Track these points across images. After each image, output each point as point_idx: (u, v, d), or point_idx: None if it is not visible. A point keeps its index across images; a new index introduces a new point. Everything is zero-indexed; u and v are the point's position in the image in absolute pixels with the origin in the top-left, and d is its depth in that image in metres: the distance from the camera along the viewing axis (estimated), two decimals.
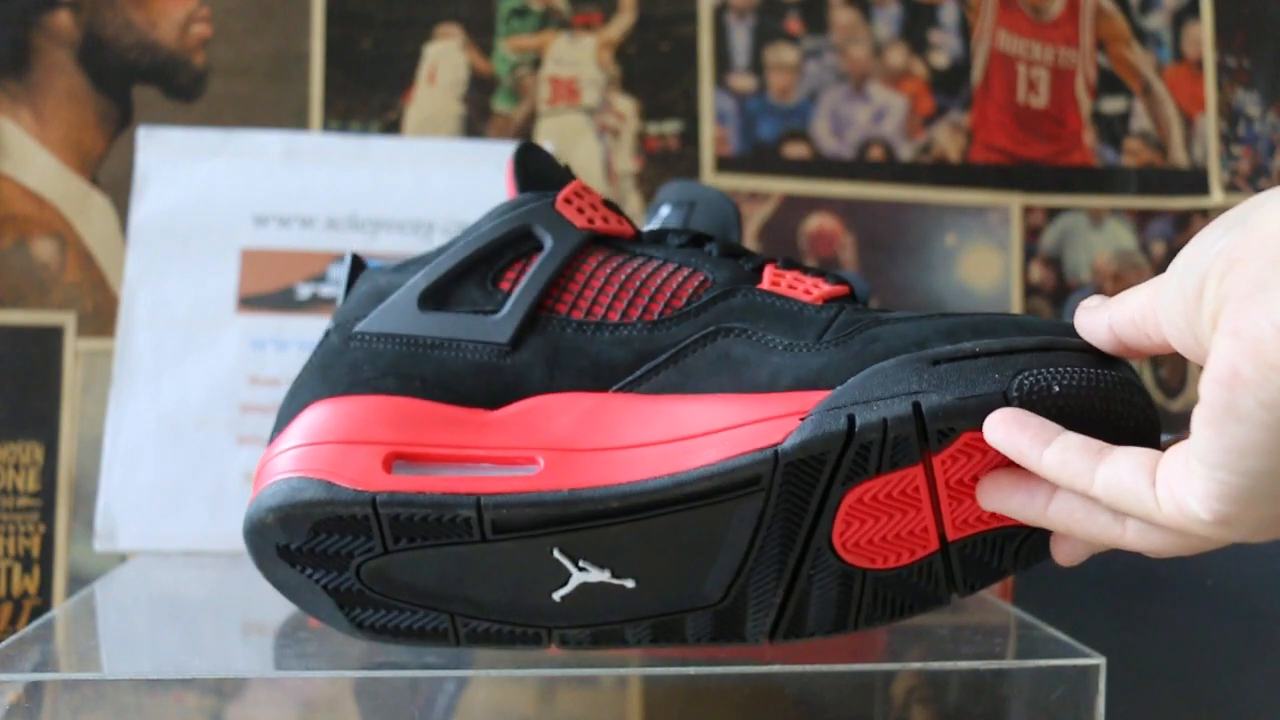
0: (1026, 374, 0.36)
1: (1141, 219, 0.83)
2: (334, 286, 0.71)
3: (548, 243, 0.42)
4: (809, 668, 0.43)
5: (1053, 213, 0.82)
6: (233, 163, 0.73)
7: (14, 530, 0.72)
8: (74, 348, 0.73)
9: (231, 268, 0.71)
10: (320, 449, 0.39)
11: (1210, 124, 0.84)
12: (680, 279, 0.42)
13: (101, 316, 0.73)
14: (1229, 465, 0.29)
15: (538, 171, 0.45)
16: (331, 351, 0.42)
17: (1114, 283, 0.83)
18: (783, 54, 0.81)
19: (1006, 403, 0.36)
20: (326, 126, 0.76)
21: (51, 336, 0.73)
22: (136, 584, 0.61)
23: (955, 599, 0.42)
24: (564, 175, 0.46)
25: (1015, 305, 0.82)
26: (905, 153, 0.81)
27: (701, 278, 0.42)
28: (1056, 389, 0.36)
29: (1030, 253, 0.82)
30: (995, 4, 0.83)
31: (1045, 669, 0.44)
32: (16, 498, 0.72)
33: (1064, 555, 0.39)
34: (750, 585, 0.40)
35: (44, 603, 0.72)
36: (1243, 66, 0.85)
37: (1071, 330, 0.38)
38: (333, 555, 0.40)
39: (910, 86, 0.82)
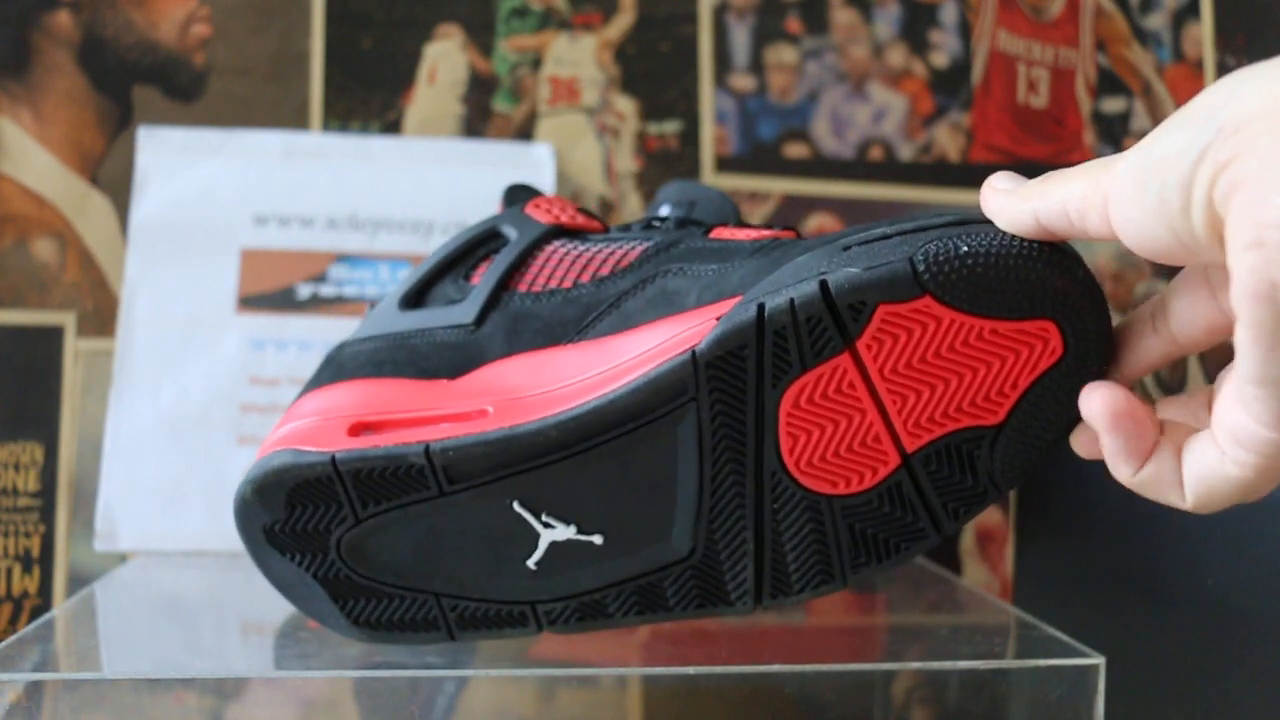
0: (934, 240, 0.35)
1: None
2: (334, 286, 0.71)
3: (512, 235, 0.47)
4: (809, 668, 0.43)
5: None
6: (233, 162, 0.73)
7: (14, 530, 0.72)
8: (74, 348, 0.73)
9: (231, 268, 0.71)
10: (295, 427, 0.42)
11: None
12: (630, 245, 0.45)
13: (101, 316, 0.73)
14: None
15: (520, 197, 0.51)
16: (326, 361, 0.47)
17: (1114, 283, 0.83)
18: (783, 54, 0.81)
19: (913, 269, 0.35)
20: (326, 126, 0.76)
21: (51, 336, 0.73)
22: (136, 584, 0.61)
23: (943, 532, 0.40)
24: (539, 194, 0.51)
25: None
26: (905, 153, 0.81)
27: (653, 242, 0.44)
28: (964, 249, 0.35)
29: None
30: (995, 4, 0.83)
31: (1045, 669, 0.44)
32: (16, 498, 0.72)
33: (1084, 446, 0.38)
34: (716, 529, 0.40)
35: (44, 603, 0.72)
36: (1243, 66, 0.85)
37: None
38: (312, 532, 0.41)
39: (910, 86, 0.82)
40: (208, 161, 0.73)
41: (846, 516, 0.40)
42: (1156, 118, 0.84)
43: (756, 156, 0.80)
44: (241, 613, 0.57)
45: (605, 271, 0.44)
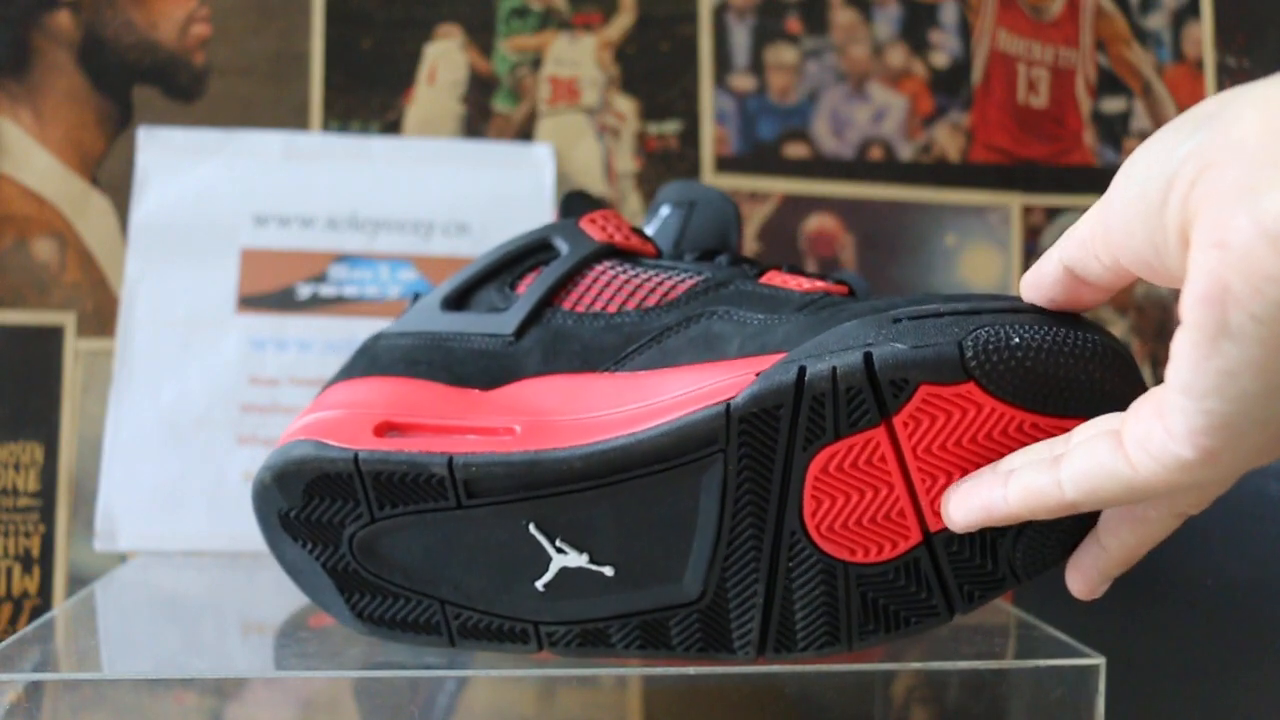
0: (985, 326, 0.35)
1: None
2: (334, 286, 0.71)
3: (563, 249, 0.46)
4: (809, 668, 0.43)
5: (1053, 213, 0.82)
6: (233, 163, 0.73)
7: (14, 530, 0.72)
8: (74, 348, 0.73)
9: (231, 267, 0.71)
10: (321, 417, 0.42)
11: None
12: (680, 277, 0.44)
13: (101, 316, 0.73)
14: (1220, 390, 0.27)
15: (576, 208, 0.50)
16: (360, 350, 0.46)
17: None
18: (783, 54, 0.81)
19: (961, 354, 0.35)
20: (326, 126, 0.76)
21: (51, 336, 0.73)
22: (136, 584, 0.61)
23: (956, 612, 0.40)
24: (600, 205, 0.50)
25: None
26: (905, 153, 0.81)
27: (703, 277, 0.44)
28: (1015, 340, 0.34)
29: (1030, 253, 0.82)
30: (995, 4, 0.83)
31: (1045, 669, 0.44)
32: (16, 498, 0.72)
33: (1079, 585, 0.38)
34: (729, 577, 0.40)
35: (44, 603, 0.72)
36: (1243, 67, 0.85)
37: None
38: (326, 524, 0.41)
39: (910, 86, 0.82)
40: (208, 161, 0.73)
41: (860, 584, 0.40)
42: (1156, 118, 0.84)
43: (756, 156, 0.80)
44: (241, 613, 0.58)
45: (652, 302, 0.43)
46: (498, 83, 0.78)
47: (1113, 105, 0.84)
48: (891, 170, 0.81)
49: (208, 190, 0.72)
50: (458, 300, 0.46)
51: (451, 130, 0.77)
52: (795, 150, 0.80)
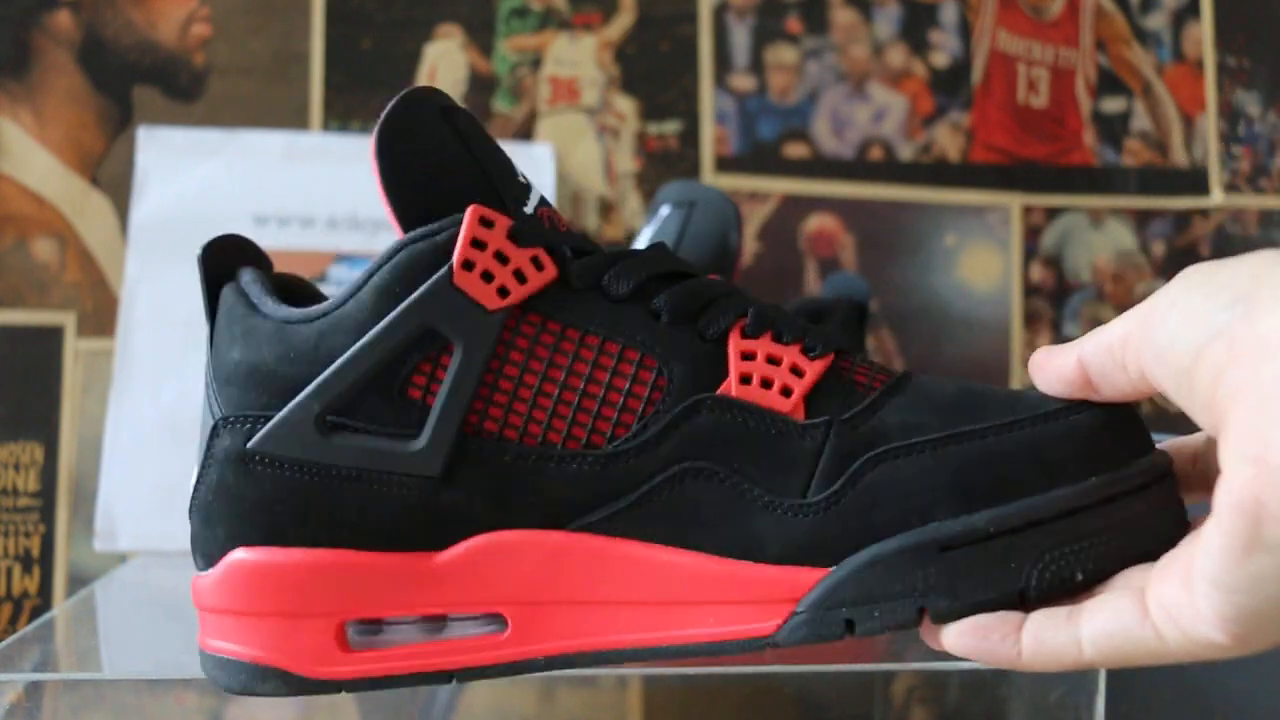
0: (1046, 565, 0.32)
1: (1141, 219, 0.83)
2: (334, 286, 0.71)
3: (458, 347, 0.34)
4: (809, 668, 0.43)
5: (1053, 212, 0.82)
6: (233, 163, 0.73)
7: (14, 530, 0.72)
8: (74, 348, 0.73)
9: None
10: (264, 624, 0.35)
11: (1210, 124, 0.84)
12: (628, 377, 0.35)
13: (101, 316, 0.73)
14: (1251, 590, 0.27)
15: (413, 176, 0.35)
16: (233, 470, 0.35)
17: (1114, 282, 0.83)
18: (783, 54, 0.81)
19: (1024, 602, 0.32)
20: (326, 126, 0.76)
21: (51, 336, 0.73)
22: (136, 584, 0.61)
23: None
24: (449, 179, 0.35)
25: (1015, 305, 0.82)
26: (905, 153, 0.81)
27: (653, 374, 0.35)
28: (1080, 576, 0.32)
29: (1030, 253, 0.82)
30: (995, 4, 0.83)
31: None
32: (17, 498, 0.72)
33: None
34: None
35: (44, 602, 0.72)
36: (1243, 66, 0.85)
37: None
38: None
39: (910, 86, 0.82)
40: (208, 161, 0.73)
41: None
42: (1156, 117, 0.84)
43: (756, 156, 0.80)
44: None
45: (606, 428, 0.35)
46: (498, 83, 0.78)
47: (1113, 105, 0.84)
48: (891, 170, 0.81)
49: (208, 190, 0.72)
50: (336, 416, 0.35)
51: None
52: (795, 150, 0.80)
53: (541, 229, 0.36)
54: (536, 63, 0.79)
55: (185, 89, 0.75)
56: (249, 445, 0.35)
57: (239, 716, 0.44)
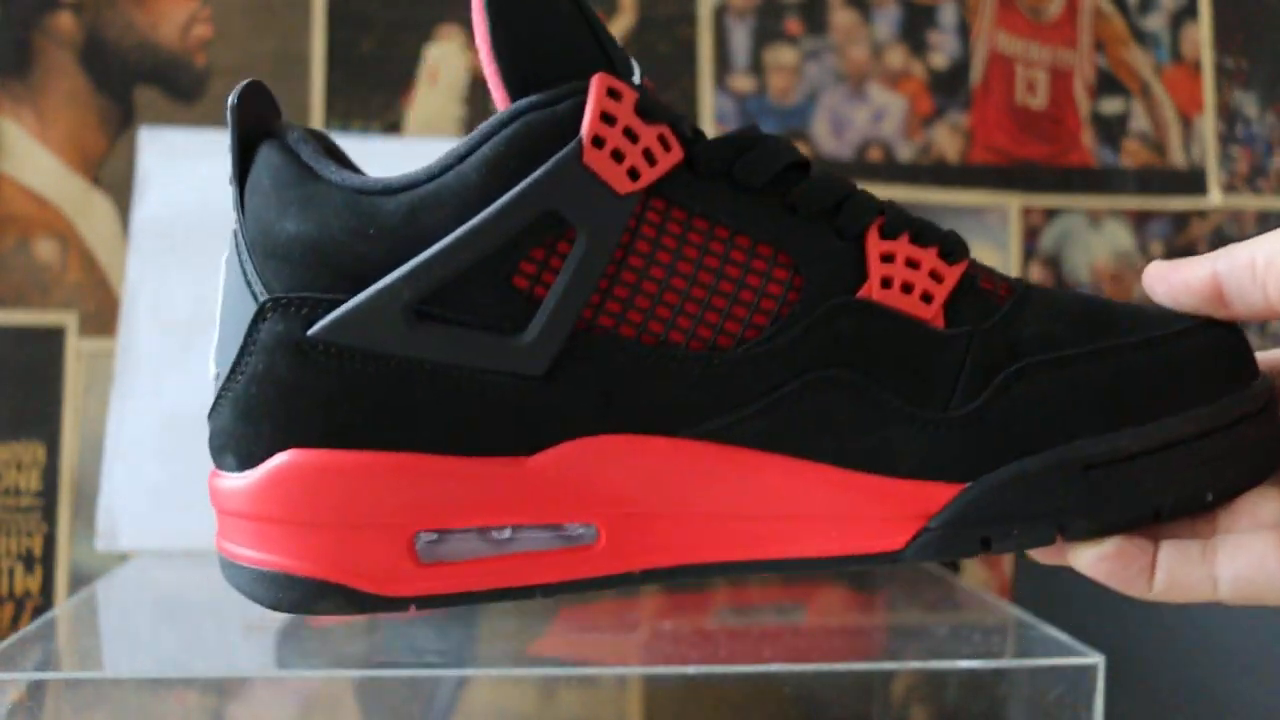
0: (1182, 486, 0.32)
1: (1140, 219, 0.83)
2: None
3: (582, 233, 0.31)
4: (809, 667, 0.43)
5: (1051, 213, 0.83)
6: None
7: (16, 530, 0.72)
8: (76, 348, 0.73)
9: None
10: (324, 535, 0.31)
11: (1208, 125, 0.84)
12: (761, 274, 0.32)
13: (103, 316, 0.73)
14: None
15: (527, 35, 0.31)
16: (287, 359, 0.31)
17: (1112, 283, 0.83)
18: (782, 55, 0.81)
19: (1157, 521, 0.32)
20: (327, 127, 0.76)
21: (53, 337, 0.73)
22: (138, 583, 0.61)
23: None
24: (564, 41, 0.32)
25: None
26: (904, 153, 0.81)
27: (788, 273, 0.32)
28: (1210, 498, 0.32)
29: (1029, 253, 0.82)
30: (994, 5, 0.83)
31: (1044, 668, 0.44)
32: (19, 497, 0.72)
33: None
34: None
35: (46, 602, 0.72)
36: (1241, 67, 0.85)
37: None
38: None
39: (909, 87, 0.82)
40: (208, 162, 0.73)
41: None
42: (1155, 118, 0.84)
43: None
44: (242, 612, 0.57)
45: (736, 329, 0.32)
46: None
47: (1111, 106, 0.84)
48: (890, 171, 0.81)
49: (209, 190, 0.72)
50: (429, 305, 0.31)
51: (452, 131, 0.78)
52: None
53: (662, 105, 0.32)
54: None
55: (186, 90, 0.76)
56: (310, 332, 0.31)
57: (240, 715, 0.44)
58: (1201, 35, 0.85)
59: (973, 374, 0.32)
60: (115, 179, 0.74)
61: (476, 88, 0.78)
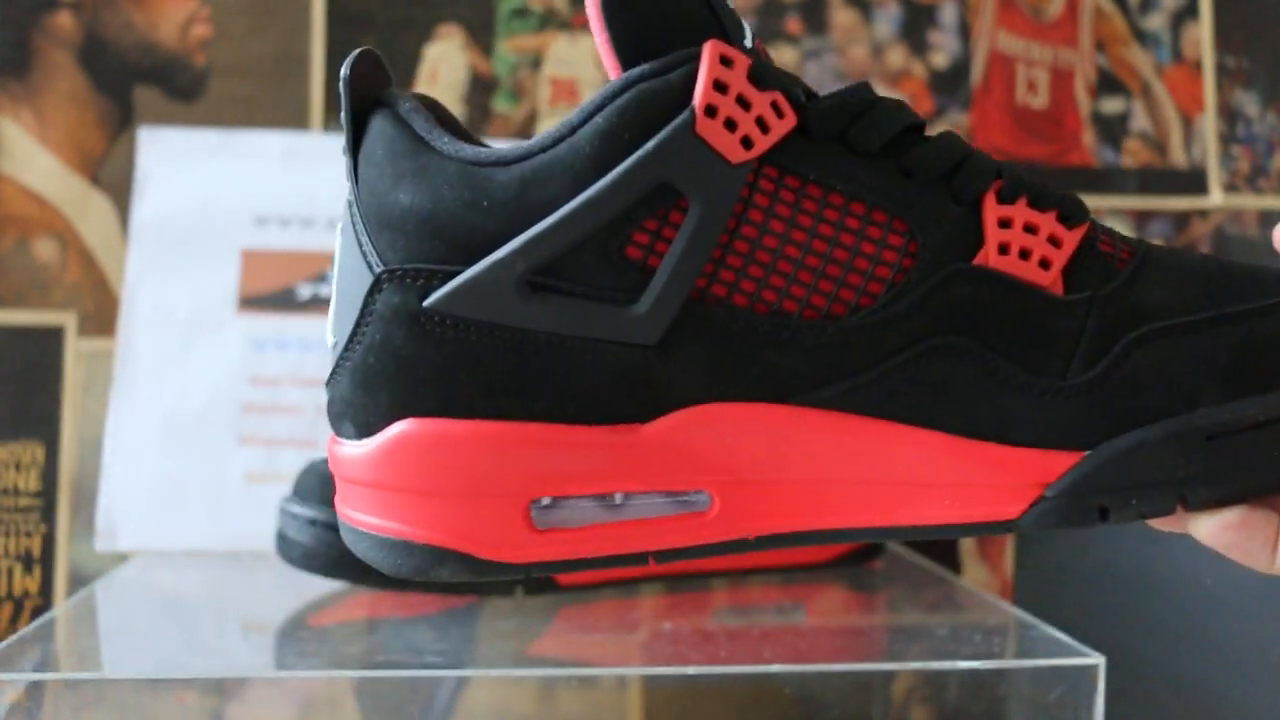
0: None
1: (1140, 219, 0.83)
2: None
3: (695, 204, 0.31)
4: (809, 667, 0.43)
5: None
6: (233, 163, 0.73)
7: (15, 530, 0.72)
8: (75, 348, 0.73)
9: (232, 268, 0.71)
10: (442, 503, 0.32)
11: (1209, 124, 0.84)
12: (876, 242, 0.32)
13: (102, 317, 0.73)
14: None
15: (644, 4, 0.31)
16: (404, 330, 0.31)
17: None
18: (782, 55, 0.81)
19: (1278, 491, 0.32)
20: (327, 126, 0.76)
21: (52, 337, 0.73)
22: (137, 584, 0.61)
23: None
24: (675, 5, 0.31)
25: None
26: None
27: (904, 239, 0.32)
28: None
29: None
30: (994, 4, 0.83)
31: (1044, 668, 0.44)
32: (17, 497, 0.72)
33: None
34: None
35: (45, 602, 0.72)
36: (1242, 67, 0.85)
37: None
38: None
39: (909, 87, 0.82)
40: (208, 162, 0.73)
41: None
42: (1155, 118, 0.84)
43: None
44: (242, 612, 0.58)
45: (851, 297, 0.32)
46: (498, 83, 0.78)
47: (1112, 106, 0.84)
48: None
49: (208, 191, 0.73)
50: (543, 276, 0.31)
51: None
52: None
53: (775, 69, 0.32)
54: (537, 63, 0.79)
55: (186, 90, 0.75)
56: (426, 303, 0.31)
57: (239, 715, 0.44)
58: (1202, 35, 0.85)
59: (1092, 341, 0.32)
60: (114, 179, 0.74)
61: (476, 87, 0.78)
